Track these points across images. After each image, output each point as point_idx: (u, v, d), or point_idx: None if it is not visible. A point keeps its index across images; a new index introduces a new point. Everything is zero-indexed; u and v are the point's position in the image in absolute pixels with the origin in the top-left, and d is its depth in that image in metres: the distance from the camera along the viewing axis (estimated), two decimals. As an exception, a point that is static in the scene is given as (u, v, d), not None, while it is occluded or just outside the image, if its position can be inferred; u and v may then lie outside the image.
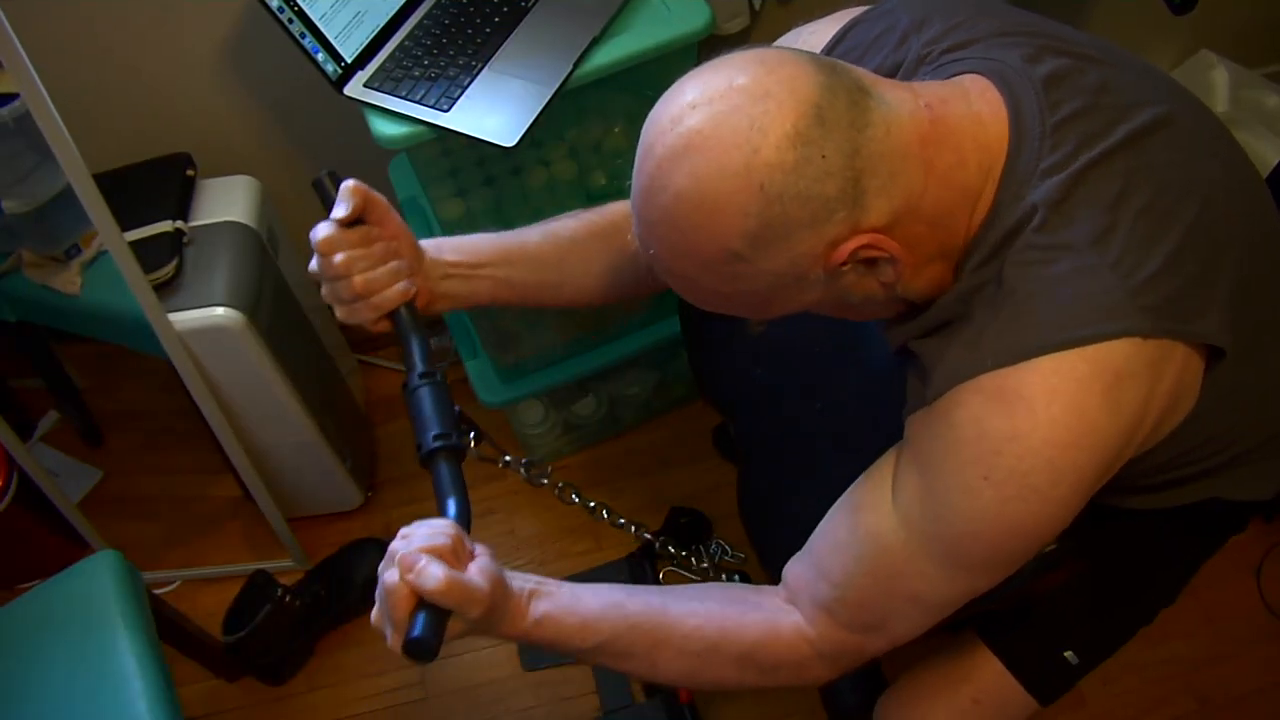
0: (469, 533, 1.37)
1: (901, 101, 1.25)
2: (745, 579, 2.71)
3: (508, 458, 1.71)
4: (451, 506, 1.39)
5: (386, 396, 3.23)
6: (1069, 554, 1.55)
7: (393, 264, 1.56)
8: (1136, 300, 1.19)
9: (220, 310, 2.21)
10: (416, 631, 1.22)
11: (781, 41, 1.64)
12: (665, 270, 1.33)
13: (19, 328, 2.52)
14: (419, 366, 1.54)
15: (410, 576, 1.23)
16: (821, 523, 1.50)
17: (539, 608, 1.41)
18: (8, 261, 2.29)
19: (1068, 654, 1.74)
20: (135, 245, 2.05)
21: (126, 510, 2.95)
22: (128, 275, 2.01)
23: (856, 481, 1.46)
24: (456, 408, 1.54)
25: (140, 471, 3.04)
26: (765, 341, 1.84)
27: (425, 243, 1.68)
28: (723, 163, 1.17)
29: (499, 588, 1.33)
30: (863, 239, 1.23)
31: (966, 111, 1.29)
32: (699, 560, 2.74)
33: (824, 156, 1.17)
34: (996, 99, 1.31)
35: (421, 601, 1.24)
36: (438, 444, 1.45)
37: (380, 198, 1.56)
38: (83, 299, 2.27)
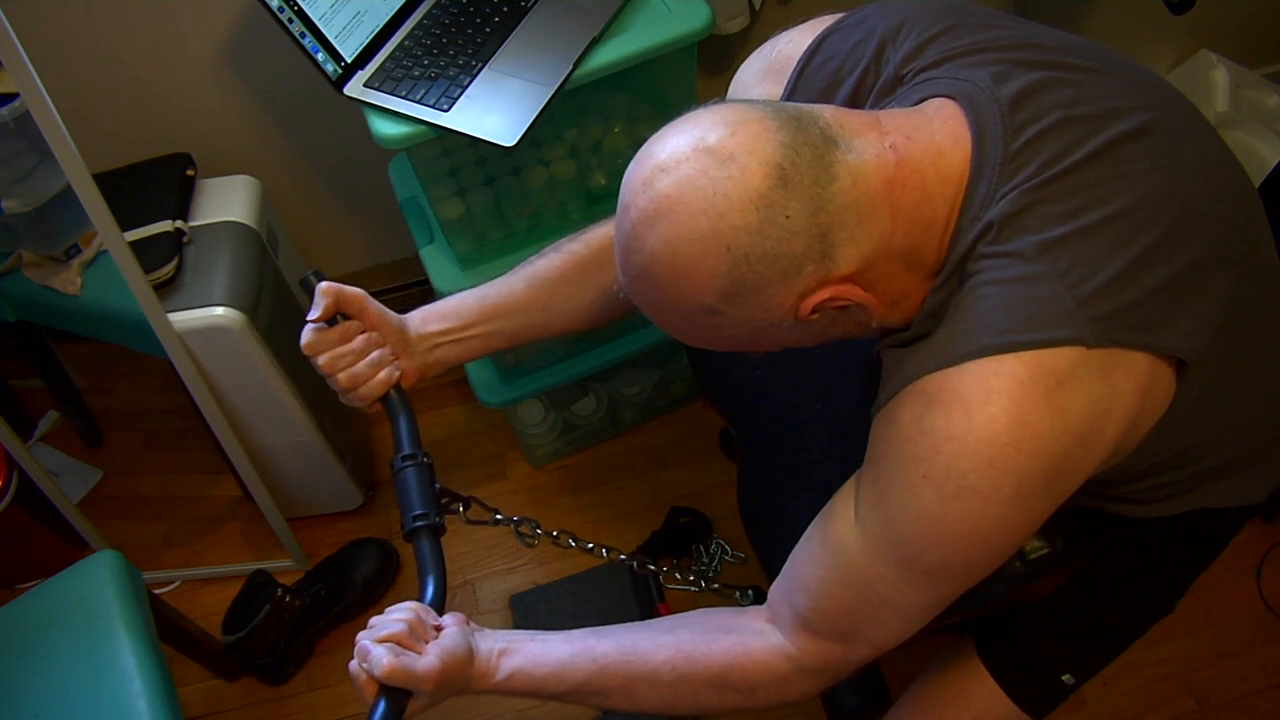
0: (442, 608, 1.50)
1: (867, 146, 1.26)
2: (759, 593, 2.71)
3: (499, 516, 1.77)
4: (429, 586, 1.52)
5: (386, 397, 3.23)
6: (1055, 560, 1.55)
7: (374, 355, 1.67)
8: (1085, 310, 1.19)
9: (220, 310, 2.21)
10: (374, 716, 1.35)
11: (759, 51, 1.65)
12: (650, 318, 1.36)
13: (19, 328, 2.52)
14: (404, 449, 1.65)
15: (365, 665, 1.37)
16: (803, 536, 1.51)
17: (508, 664, 1.50)
18: (8, 261, 2.29)
19: (1065, 677, 1.74)
20: (135, 245, 2.05)
21: (126, 510, 2.95)
22: (128, 275, 2.01)
23: (834, 495, 1.47)
24: (438, 485, 1.64)
25: (140, 471, 3.04)
26: (762, 355, 1.84)
27: (411, 316, 1.75)
28: (690, 227, 1.20)
29: (456, 659, 1.43)
30: (829, 291, 1.26)
31: (930, 144, 1.29)
32: (697, 565, 2.77)
33: (788, 217, 1.19)
34: (960, 125, 1.31)
35: (383, 684, 1.37)
36: (418, 524, 1.57)
37: (355, 292, 1.65)
38: (83, 299, 2.27)
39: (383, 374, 1.67)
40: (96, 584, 1.96)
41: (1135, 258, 1.22)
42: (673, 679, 1.51)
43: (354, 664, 1.39)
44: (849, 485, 1.43)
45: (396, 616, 1.42)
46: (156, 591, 2.46)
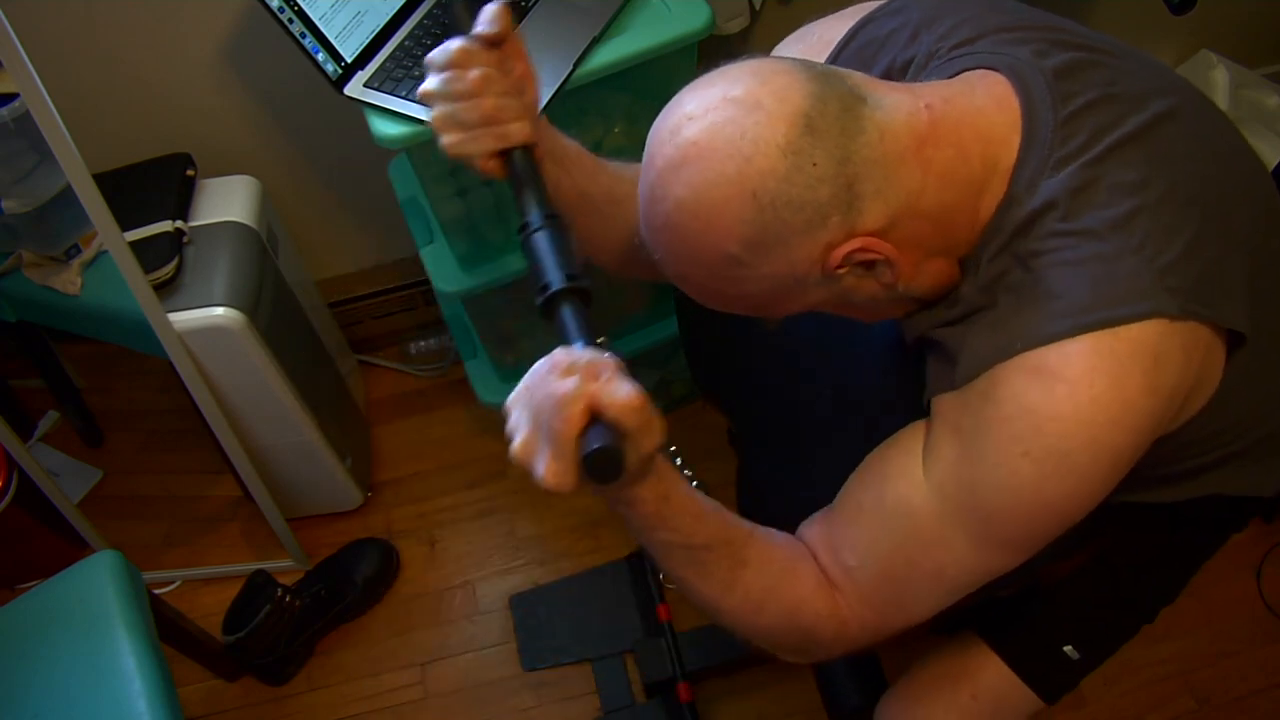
0: None
1: (899, 105, 1.27)
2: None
3: (601, 340, 1.60)
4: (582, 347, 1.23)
5: (386, 397, 3.24)
6: (1081, 543, 1.56)
7: (526, 99, 1.49)
8: (1163, 282, 1.20)
9: (220, 310, 2.21)
10: (599, 441, 1.11)
11: (793, 37, 1.66)
12: (672, 274, 1.35)
13: (19, 328, 2.52)
14: (543, 208, 1.42)
15: (595, 386, 1.14)
16: (841, 493, 1.49)
17: (672, 483, 1.36)
18: (8, 261, 2.29)
19: (1067, 649, 1.74)
20: (135, 245, 2.05)
21: (126, 510, 2.95)
22: (128, 275, 2.01)
23: (876, 454, 1.46)
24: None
25: (140, 471, 3.04)
26: (764, 333, 1.84)
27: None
28: (717, 172, 1.21)
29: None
30: (856, 243, 1.25)
31: (969, 106, 1.31)
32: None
33: (815, 164, 1.20)
34: (1006, 91, 1.32)
35: (592, 420, 1.14)
36: (569, 284, 1.31)
37: (519, 35, 1.49)
38: (83, 299, 2.27)
39: (526, 123, 1.46)
40: (96, 584, 1.96)
41: (1194, 234, 1.24)
42: (771, 583, 1.44)
43: (567, 382, 1.13)
44: (905, 448, 1.41)
45: (600, 354, 1.19)
46: (156, 591, 2.46)
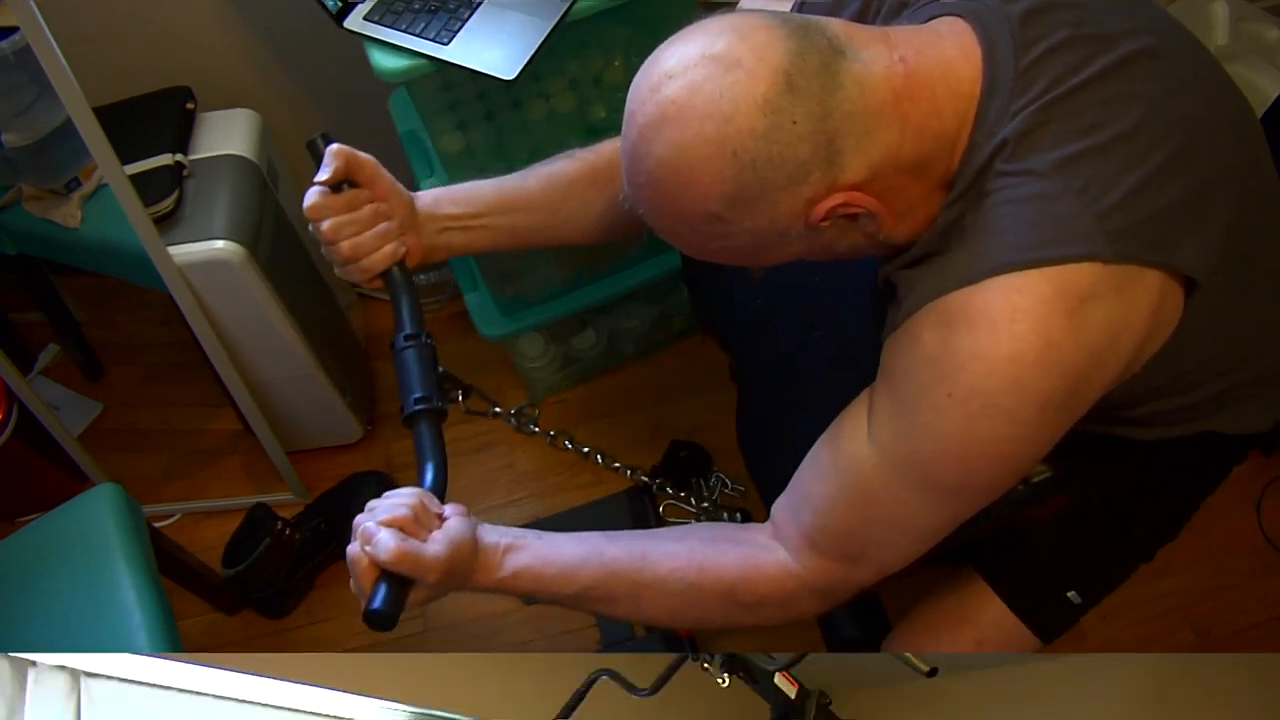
0: (443, 496, 1.45)
1: (876, 58, 1.26)
2: (746, 515, 2.71)
3: (497, 409, 1.74)
4: (428, 472, 1.47)
5: (386, 330, 3.19)
6: (1058, 484, 1.56)
7: (381, 226, 1.62)
8: (1102, 225, 1.20)
9: (220, 243, 2.21)
10: (374, 604, 1.28)
11: None
12: (656, 228, 1.37)
13: (19, 261, 2.52)
14: (406, 328, 1.62)
15: (367, 548, 1.31)
16: (807, 455, 1.51)
17: (515, 560, 1.46)
18: (8, 195, 2.28)
19: (1070, 594, 1.75)
20: (135, 178, 2.05)
21: (126, 443, 2.96)
22: (128, 208, 2.01)
23: (839, 415, 1.47)
24: (441, 368, 1.58)
25: (140, 405, 3.05)
26: (764, 273, 1.84)
27: (423, 195, 1.70)
28: (697, 131, 1.22)
29: (462, 549, 1.39)
30: (839, 197, 1.26)
31: (940, 59, 1.30)
32: (697, 499, 2.76)
33: (795, 122, 1.20)
34: (970, 41, 1.31)
35: (384, 571, 1.31)
36: (418, 407, 1.53)
37: (367, 159, 1.60)
38: (83, 232, 2.27)
39: (388, 247, 1.62)
40: (96, 517, 1.97)
41: (1147, 175, 1.23)
42: (681, 589, 1.50)
43: (354, 547, 1.33)
44: (858, 404, 1.43)
45: (399, 500, 1.38)
46: (156, 525, 2.47)
